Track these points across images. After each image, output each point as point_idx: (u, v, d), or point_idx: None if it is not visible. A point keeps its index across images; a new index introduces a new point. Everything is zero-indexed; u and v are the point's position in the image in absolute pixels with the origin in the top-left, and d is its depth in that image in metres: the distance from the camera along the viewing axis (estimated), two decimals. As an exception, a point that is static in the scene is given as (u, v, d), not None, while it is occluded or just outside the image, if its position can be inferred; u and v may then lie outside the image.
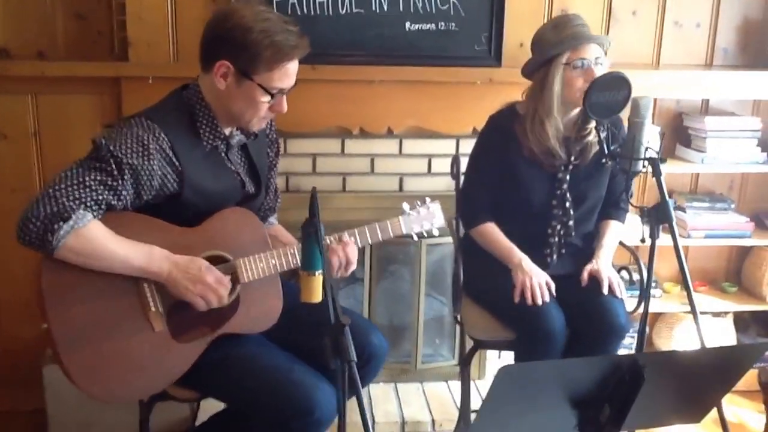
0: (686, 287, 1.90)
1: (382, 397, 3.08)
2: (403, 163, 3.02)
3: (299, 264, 1.95)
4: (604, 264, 2.35)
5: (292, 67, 1.87)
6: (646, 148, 1.93)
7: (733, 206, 3.29)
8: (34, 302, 1.78)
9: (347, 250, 2.00)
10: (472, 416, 2.83)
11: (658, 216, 1.93)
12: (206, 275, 1.81)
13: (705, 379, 1.54)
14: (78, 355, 1.75)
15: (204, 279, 1.81)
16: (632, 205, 2.10)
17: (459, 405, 3.04)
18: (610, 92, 2.04)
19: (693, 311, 1.86)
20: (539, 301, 2.23)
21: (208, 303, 1.83)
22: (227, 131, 1.96)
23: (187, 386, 1.93)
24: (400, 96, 2.88)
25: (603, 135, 2.14)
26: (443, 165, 3.02)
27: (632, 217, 3.20)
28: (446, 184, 3.04)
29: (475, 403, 2.91)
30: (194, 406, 2.96)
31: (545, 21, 2.91)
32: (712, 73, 3.15)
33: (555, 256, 2.46)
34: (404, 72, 2.84)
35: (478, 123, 2.89)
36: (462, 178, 2.66)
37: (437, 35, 2.88)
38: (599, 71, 2.27)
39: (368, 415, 2.82)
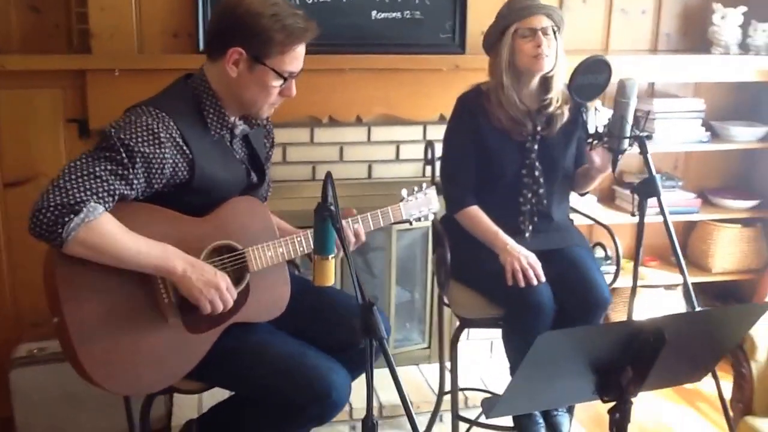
0: (677, 259, 2.01)
1: (357, 383, 3.08)
2: (371, 150, 3.05)
3: (306, 251, 1.98)
4: None
5: (301, 49, 1.90)
6: (633, 127, 2.03)
7: (680, 184, 3.47)
8: (46, 296, 1.74)
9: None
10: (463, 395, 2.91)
11: (647, 191, 2.03)
12: (220, 281, 1.81)
13: (713, 337, 1.65)
14: (93, 350, 1.72)
15: (218, 284, 1.80)
16: (619, 181, 2.19)
17: (433, 387, 3.10)
18: (593, 75, 2.14)
19: (685, 282, 1.97)
20: (534, 282, 2.30)
21: (215, 308, 1.82)
22: (232, 120, 1.96)
23: (194, 377, 1.91)
24: (369, 84, 2.90)
25: (586, 117, 2.23)
26: (411, 151, 3.08)
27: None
28: (414, 170, 3.10)
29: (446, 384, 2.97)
30: (169, 404, 2.92)
31: (504, 8, 3.02)
32: (658, 57, 3.32)
33: (529, 225, 2.53)
34: (372, 60, 2.87)
35: (445, 109, 2.95)
36: (437, 163, 2.72)
37: (403, 23, 2.92)
38: (549, 41, 2.38)
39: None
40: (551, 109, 2.47)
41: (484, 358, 3.35)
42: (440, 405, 2.96)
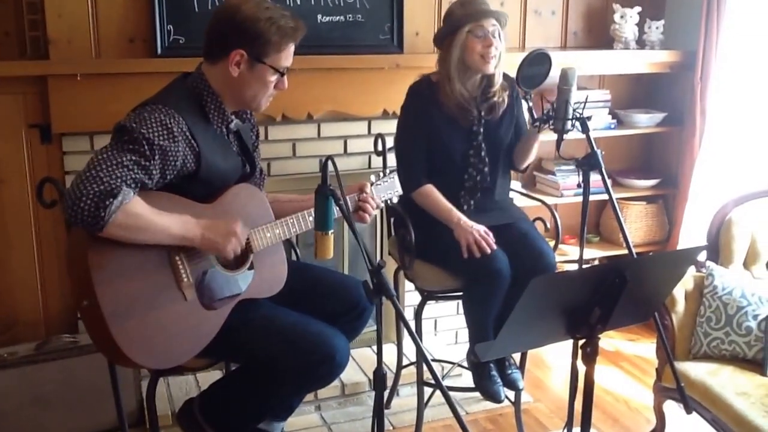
0: (621, 230, 2.31)
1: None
2: (322, 145, 3.25)
3: (299, 231, 2.18)
4: None
5: (293, 47, 2.11)
6: (575, 110, 2.33)
7: (593, 167, 3.85)
8: (74, 282, 1.87)
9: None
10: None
11: (589, 164, 2.33)
12: (234, 227, 1.99)
13: (662, 277, 1.96)
14: (125, 327, 1.86)
15: (234, 230, 1.99)
16: (564, 158, 2.50)
17: (388, 365, 3.31)
18: (536, 67, 2.43)
19: (629, 247, 2.27)
20: (488, 251, 2.57)
21: (236, 253, 2.02)
22: (229, 116, 2.13)
23: (203, 354, 2.05)
24: (317, 83, 3.10)
25: (531, 104, 2.53)
26: (357, 145, 3.30)
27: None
28: (361, 163, 3.32)
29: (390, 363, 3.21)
30: (140, 397, 2.99)
31: (436, 13, 3.32)
32: (567, 52, 3.68)
33: (470, 200, 2.79)
34: (320, 61, 3.07)
35: (389, 104, 3.21)
36: (388, 152, 2.96)
37: (346, 26, 3.15)
38: (497, 42, 2.66)
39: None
40: (494, 99, 2.75)
41: (430, 335, 3.61)
42: (398, 380, 3.19)
